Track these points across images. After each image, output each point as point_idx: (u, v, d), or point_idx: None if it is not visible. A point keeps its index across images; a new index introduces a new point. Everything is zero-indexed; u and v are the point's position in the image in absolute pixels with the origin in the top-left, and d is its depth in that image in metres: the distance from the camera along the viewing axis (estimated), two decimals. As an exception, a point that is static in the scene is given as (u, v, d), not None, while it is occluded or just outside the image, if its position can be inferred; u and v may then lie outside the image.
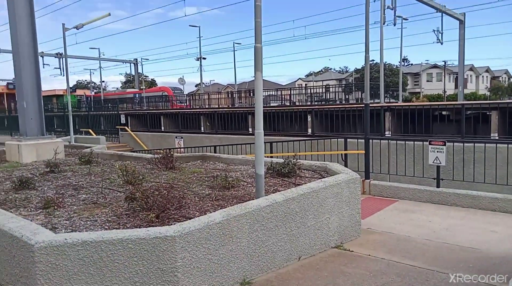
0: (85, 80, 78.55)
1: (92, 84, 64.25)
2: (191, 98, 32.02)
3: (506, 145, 8.22)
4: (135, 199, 4.08)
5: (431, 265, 3.98)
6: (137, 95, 38.21)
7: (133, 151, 14.96)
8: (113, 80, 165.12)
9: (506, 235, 4.97)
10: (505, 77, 71.36)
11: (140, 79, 48.42)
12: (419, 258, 4.19)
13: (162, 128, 25.05)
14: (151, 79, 75.48)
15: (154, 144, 22.90)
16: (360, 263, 4.05)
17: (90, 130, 24.60)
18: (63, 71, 32.50)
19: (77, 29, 16.90)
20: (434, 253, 4.35)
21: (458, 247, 4.53)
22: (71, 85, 28.27)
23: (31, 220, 3.63)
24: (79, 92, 47.90)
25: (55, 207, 4.13)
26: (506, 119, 13.71)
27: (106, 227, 3.57)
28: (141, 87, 42.74)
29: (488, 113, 14.25)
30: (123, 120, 26.16)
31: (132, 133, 24.89)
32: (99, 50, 43.71)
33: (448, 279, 3.64)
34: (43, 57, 36.45)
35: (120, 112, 27.23)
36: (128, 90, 46.44)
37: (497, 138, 13.27)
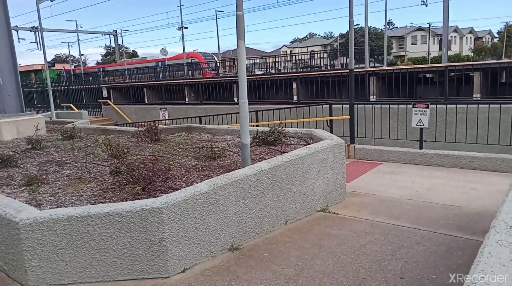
0: (64, 54, 76.10)
1: (71, 58, 62.27)
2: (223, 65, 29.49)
3: (487, 105, 8.34)
4: (120, 173, 4.07)
5: (413, 223, 4.11)
6: (160, 64, 34.02)
7: (117, 125, 14.78)
8: (92, 53, 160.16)
9: (485, 192, 5.14)
10: (488, 38, 71.52)
11: (120, 51, 47.06)
12: (402, 217, 4.32)
13: (146, 100, 24.67)
14: (132, 50, 73.53)
15: (138, 116, 22.61)
16: (345, 225, 4.17)
17: (72, 105, 24.09)
18: (40, 45, 31.38)
19: (52, 1, 16.18)
20: (416, 212, 4.49)
21: (439, 206, 4.67)
22: (49, 60, 27.36)
23: (14, 198, 3.60)
24: (58, 66, 46.36)
25: (39, 183, 4.09)
26: (488, 79, 13.87)
27: (92, 201, 3.57)
28: (121, 59, 41.18)
29: (471, 75, 14.37)
30: (105, 93, 25.63)
31: (115, 106, 24.48)
32: (76, 22, 42.10)
33: (428, 235, 3.78)
34: (17, 31, 35.01)
35: (101, 85, 26.63)
36: (148, 58, 41.37)
37: (479, 98, 13.46)
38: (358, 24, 44.34)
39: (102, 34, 45.89)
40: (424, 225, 4.05)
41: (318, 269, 3.24)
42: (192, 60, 32.46)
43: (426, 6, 25.51)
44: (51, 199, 3.66)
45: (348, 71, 9.15)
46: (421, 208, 4.63)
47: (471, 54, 57.49)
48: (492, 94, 13.79)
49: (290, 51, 55.35)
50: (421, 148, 7.04)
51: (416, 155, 6.82)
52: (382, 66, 25.60)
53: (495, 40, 69.77)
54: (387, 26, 44.99)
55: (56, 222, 2.95)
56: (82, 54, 57.02)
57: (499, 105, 7.70)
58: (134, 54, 69.89)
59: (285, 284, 3.03)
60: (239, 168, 4.11)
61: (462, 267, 3.12)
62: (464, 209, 4.54)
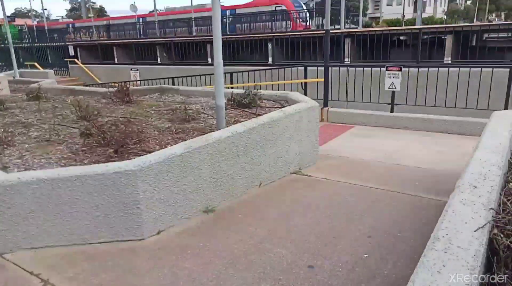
0: (25, 8, 71.17)
1: (34, 12, 58.30)
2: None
3: (457, 69, 8.53)
4: (91, 135, 3.96)
5: (382, 184, 4.27)
6: (227, 13, 26.55)
7: (86, 85, 14.22)
8: (56, 7, 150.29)
9: (451, 154, 5.36)
10: (462, 0, 71.93)
11: (87, 6, 44.41)
12: (372, 179, 4.47)
13: (116, 60, 23.70)
14: (100, 6, 69.60)
15: (108, 77, 21.76)
16: (317, 186, 4.28)
17: (36, 64, 22.85)
18: (-3, -4, 28.89)
19: None
20: (386, 174, 4.65)
21: (407, 167, 4.86)
22: (9, 14, 25.47)
23: (-21, 161, 3.46)
24: (18, 21, 43.38)
25: (5, 146, 3.93)
26: (460, 43, 14.07)
27: (62, 164, 3.48)
28: (89, 16, 38.90)
29: (443, 38, 14.52)
30: (71, 52, 24.36)
31: (83, 66, 23.42)
32: (36, -28, 39.04)
33: (396, 196, 3.95)
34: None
35: (67, 43, 25.28)
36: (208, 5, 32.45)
37: (450, 62, 13.71)
38: (335, -17, 43.39)
39: (66, -13, 42.95)
40: (392, 186, 4.21)
41: (291, 229, 3.34)
42: (277, 7, 25.40)
43: (403, -34, 25.13)
44: (18, 162, 3.53)
45: (324, 32, 9.03)
46: (390, 170, 4.80)
47: (445, 17, 57.90)
48: (462, 58, 14.06)
49: (266, 10, 53.82)
50: (392, 111, 7.20)
51: (387, 118, 6.97)
52: (357, 28, 25.43)
53: (468, 2, 70.26)
54: (364, -14, 44.22)
55: (24, 185, 2.86)
56: (45, 9, 53.40)
57: (468, 69, 7.89)
58: (101, 10, 66.26)
59: (260, 244, 3.12)
60: (214, 131, 4.08)
61: (426, 226, 3.29)
62: (431, 171, 4.74)
